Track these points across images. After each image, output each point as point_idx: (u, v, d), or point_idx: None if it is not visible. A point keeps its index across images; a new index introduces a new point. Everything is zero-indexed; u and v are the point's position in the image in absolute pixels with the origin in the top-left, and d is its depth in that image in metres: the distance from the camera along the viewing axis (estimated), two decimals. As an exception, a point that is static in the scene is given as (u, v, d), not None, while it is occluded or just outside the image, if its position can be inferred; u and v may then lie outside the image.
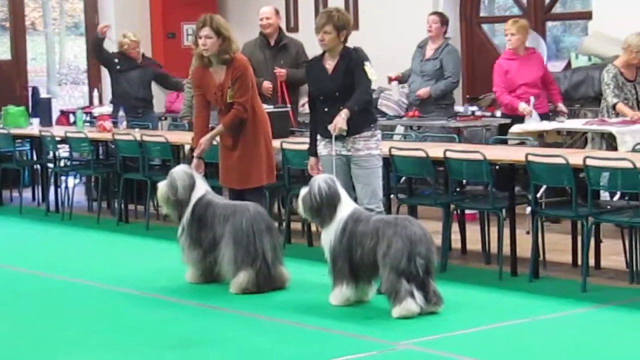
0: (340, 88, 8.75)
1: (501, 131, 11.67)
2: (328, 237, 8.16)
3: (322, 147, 8.94)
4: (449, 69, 12.45)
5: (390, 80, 12.89)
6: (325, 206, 8.14)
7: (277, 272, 8.86)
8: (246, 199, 9.24)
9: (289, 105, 11.71)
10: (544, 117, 11.42)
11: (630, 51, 10.90)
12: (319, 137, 8.96)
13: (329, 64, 8.84)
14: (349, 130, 8.65)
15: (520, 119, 11.37)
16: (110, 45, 13.59)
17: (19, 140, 13.84)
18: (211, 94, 9.41)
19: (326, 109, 8.81)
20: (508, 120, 11.67)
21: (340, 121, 8.55)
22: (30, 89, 16.14)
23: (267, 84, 11.50)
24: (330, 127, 8.61)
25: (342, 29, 8.77)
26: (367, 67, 8.72)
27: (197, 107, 9.61)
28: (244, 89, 9.30)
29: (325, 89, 8.85)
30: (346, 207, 8.18)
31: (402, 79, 12.94)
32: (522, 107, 11.40)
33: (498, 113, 12.69)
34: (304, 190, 8.26)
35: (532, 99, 11.49)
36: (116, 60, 13.31)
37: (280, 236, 9.22)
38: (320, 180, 8.21)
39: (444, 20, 12.66)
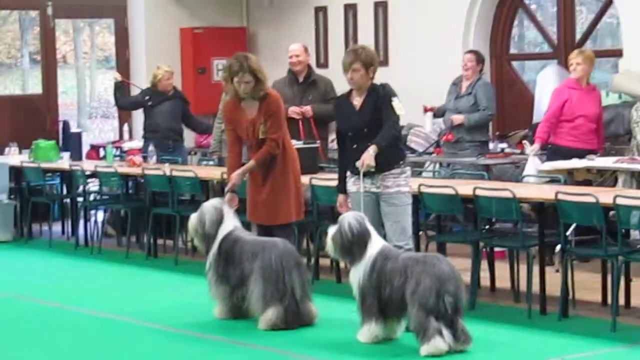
0: (368, 124, 8.75)
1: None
2: (357, 274, 8.15)
3: (351, 184, 8.94)
4: (482, 102, 12.42)
5: (425, 110, 12.86)
6: (355, 244, 8.14)
7: (306, 309, 8.85)
8: (275, 235, 9.25)
9: (318, 141, 11.74)
10: (594, 153, 11.31)
11: None
12: (348, 173, 8.96)
13: (357, 101, 8.85)
14: (377, 167, 8.65)
15: (564, 150, 11.36)
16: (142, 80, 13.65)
17: (49, 174, 13.88)
18: (242, 129, 9.41)
19: (355, 146, 8.81)
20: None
21: (368, 158, 8.56)
22: (60, 123, 16.20)
23: (293, 108, 11.49)
24: (359, 164, 8.62)
25: (370, 65, 8.81)
26: (395, 102, 8.74)
27: (229, 143, 9.62)
28: (277, 125, 9.33)
29: (354, 125, 8.86)
30: (376, 244, 8.18)
31: (436, 112, 12.93)
32: (533, 147, 11.49)
33: (527, 150, 12.66)
34: (333, 229, 8.24)
35: (536, 146, 11.54)
36: (147, 98, 13.36)
37: (308, 272, 9.20)
38: (350, 218, 8.20)
39: (479, 59, 12.63)
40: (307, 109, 11.90)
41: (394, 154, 8.85)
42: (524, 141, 11.93)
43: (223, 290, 9.05)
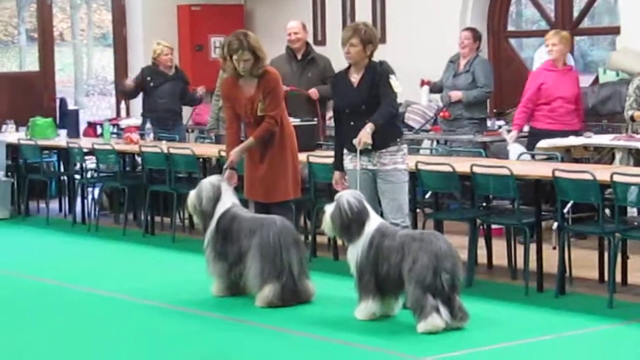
0: (366, 101, 8.74)
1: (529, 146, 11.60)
2: (355, 252, 8.15)
3: (348, 161, 8.93)
4: (480, 79, 12.43)
5: (422, 83, 12.87)
6: (353, 222, 8.13)
7: (303, 286, 8.87)
8: (272, 213, 9.26)
9: (315, 119, 11.73)
10: (574, 133, 11.30)
11: None
12: (345, 151, 8.95)
13: (355, 78, 8.84)
14: (374, 144, 8.62)
15: (543, 133, 11.30)
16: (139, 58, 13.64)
17: (46, 152, 13.89)
18: (241, 107, 9.40)
19: (352, 123, 8.79)
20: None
21: (365, 135, 8.52)
22: (57, 100, 16.18)
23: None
24: (355, 141, 8.59)
25: (368, 43, 8.78)
26: (393, 80, 8.72)
27: (227, 120, 9.63)
28: (276, 103, 9.32)
29: (351, 102, 8.84)
30: (373, 222, 8.18)
31: (433, 88, 12.93)
32: (511, 134, 11.45)
33: (526, 128, 12.67)
34: (330, 207, 8.21)
35: (514, 133, 11.48)
36: (148, 79, 13.36)
37: (306, 250, 9.21)
38: (348, 196, 8.18)
39: (476, 36, 12.64)
40: (314, 91, 11.90)
41: (390, 131, 8.83)
42: (501, 128, 11.88)
43: (221, 267, 9.07)
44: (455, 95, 12.36)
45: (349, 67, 8.94)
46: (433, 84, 12.93)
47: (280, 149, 9.44)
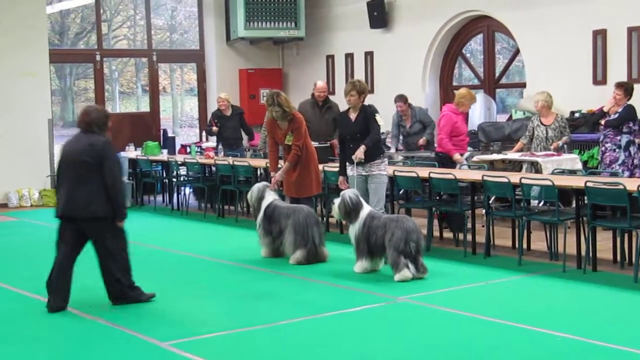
0: (360, 131, 8.89)
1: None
2: (354, 229, 8.15)
3: (349, 170, 8.99)
4: (429, 124, 12.44)
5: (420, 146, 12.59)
6: (352, 210, 8.16)
7: (321, 251, 8.85)
8: (301, 203, 9.25)
9: (329, 143, 11.76)
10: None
11: (535, 102, 10.84)
12: (347, 163, 8.99)
13: (352, 116, 8.99)
14: (366, 159, 8.81)
15: (448, 159, 10.51)
16: (214, 103, 13.61)
17: (154, 164, 13.91)
18: (278, 138, 9.48)
19: (351, 145, 8.95)
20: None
21: (360, 153, 8.79)
22: (161, 130, 16.21)
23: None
24: (353, 157, 8.81)
25: (361, 93, 8.92)
26: (377, 117, 8.87)
27: (269, 145, 9.68)
28: (298, 136, 9.34)
29: (350, 132, 8.96)
30: (366, 210, 8.18)
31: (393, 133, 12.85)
32: (457, 157, 10.49)
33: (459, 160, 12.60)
34: (337, 200, 8.27)
35: (466, 154, 10.89)
36: (215, 121, 13.35)
37: (323, 227, 9.19)
38: (349, 193, 8.25)
39: (405, 99, 12.42)
40: (335, 143, 11.58)
41: (376, 150, 8.95)
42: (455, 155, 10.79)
43: (267, 239, 9.06)
44: (423, 140, 12.30)
45: (348, 109, 8.99)
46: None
47: (306, 162, 9.45)
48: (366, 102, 9.09)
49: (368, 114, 8.92)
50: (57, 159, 7.36)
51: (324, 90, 11.98)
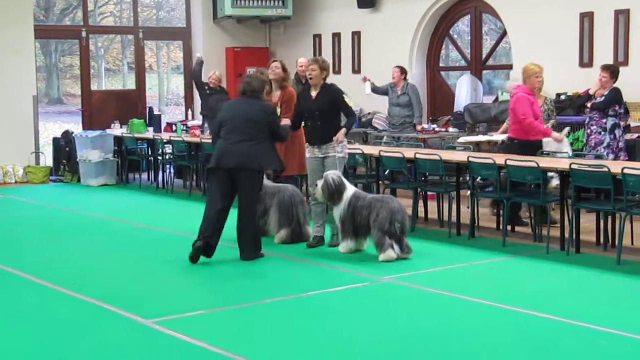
0: (319, 110, 8.40)
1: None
2: (338, 211, 8.10)
3: (306, 152, 8.61)
4: (414, 100, 12.46)
5: (364, 79, 12.73)
6: (336, 192, 8.09)
7: (305, 231, 8.83)
8: (284, 182, 9.22)
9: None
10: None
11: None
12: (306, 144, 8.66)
13: (313, 93, 8.52)
14: (324, 140, 8.38)
15: (530, 145, 9.32)
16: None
17: (140, 141, 13.85)
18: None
19: (309, 123, 8.51)
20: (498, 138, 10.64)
21: (341, 135, 8.34)
22: (147, 108, 16.13)
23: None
24: (334, 139, 8.35)
25: (323, 70, 8.48)
26: (347, 99, 8.54)
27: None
28: (288, 108, 9.31)
29: (309, 109, 8.48)
30: (350, 190, 8.13)
31: (375, 88, 12.75)
32: (556, 135, 9.55)
33: (451, 129, 12.63)
34: (320, 182, 8.13)
35: (566, 129, 10.06)
36: (206, 87, 13.29)
37: (307, 207, 9.17)
38: (332, 175, 8.12)
39: (403, 71, 12.55)
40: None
41: (335, 132, 8.41)
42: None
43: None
44: (420, 127, 12.32)
45: (309, 86, 8.62)
46: (374, 85, 12.76)
47: (292, 141, 9.33)
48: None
49: (333, 94, 8.50)
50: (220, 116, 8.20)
51: (302, 64, 11.95)
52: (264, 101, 8.24)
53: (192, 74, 14.06)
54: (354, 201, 8.05)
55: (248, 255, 7.95)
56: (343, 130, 8.38)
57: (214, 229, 7.87)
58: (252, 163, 7.82)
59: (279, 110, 9.24)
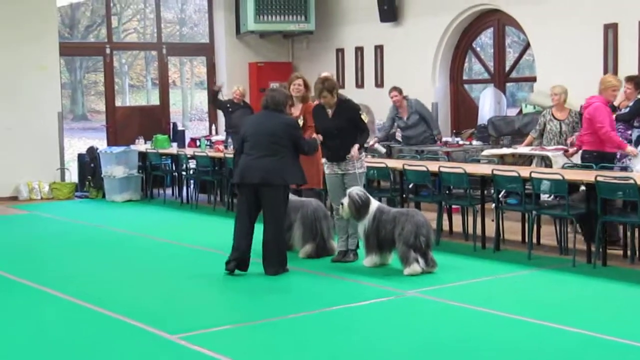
0: (336, 128, 8.38)
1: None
2: (362, 225, 8.11)
3: (325, 168, 8.63)
4: (429, 117, 12.46)
5: (372, 145, 12.41)
6: (362, 207, 8.08)
7: (330, 245, 8.83)
8: (303, 195, 9.24)
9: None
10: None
11: (556, 95, 10.71)
12: (324, 160, 8.67)
13: (329, 112, 8.48)
14: (342, 158, 8.39)
15: (606, 156, 9.18)
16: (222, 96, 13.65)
17: (164, 157, 13.91)
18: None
19: (327, 142, 8.47)
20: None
21: (355, 152, 8.33)
22: (171, 124, 16.22)
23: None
24: (349, 157, 8.35)
25: (332, 90, 8.41)
26: (363, 115, 8.48)
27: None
28: (311, 121, 9.21)
29: (326, 127, 8.46)
30: (374, 205, 8.14)
31: (383, 137, 12.72)
32: (631, 149, 9.25)
33: (475, 142, 12.60)
34: (345, 200, 8.08)
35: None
36: (228, 105, 13.35)
37: (331, 221, 9.16)
38: (356, 191, 8.13)
39: (400, 91, 12.46)
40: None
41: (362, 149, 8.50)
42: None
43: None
44: (458, 145, 12.32)
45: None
46: (382, 136, 12.73)
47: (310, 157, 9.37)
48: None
49: (351, 112, 8.44)
50: (243, 131, 8.18)
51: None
52: (287, 115, 8.29)
53: (212, 103, 14.16)
54: (378, 215, 8.05)
55: (274, 270, 7.95)
56: (356, 147, 8.34)
57: (247, 244, 8.00)
58: (275, 179, 7.84)
59: (301, 122, 9.24)
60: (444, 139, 12.74)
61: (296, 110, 9.47)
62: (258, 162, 7.87)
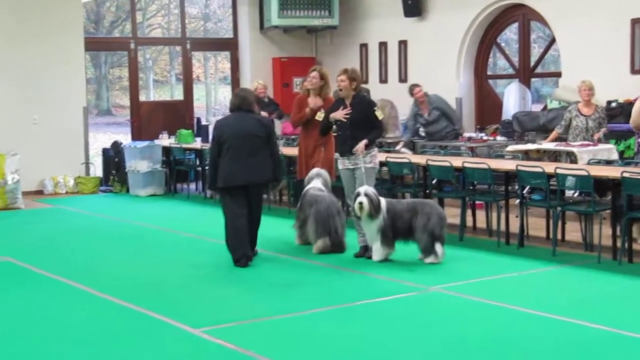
0: (351, 119, 8.36)
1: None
2: (377, 222, 8.10)
3: (338, 162, 8.66)
4: (446, 108, 12.39)
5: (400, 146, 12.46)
6: (377, 205, 8.11)
7: (343, 241, 8.77)
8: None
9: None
10: None
11: (579, 90, 10.70)
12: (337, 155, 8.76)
13: (346, 104, 8.44)
14: (352, 151, 8.36)
15: None
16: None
17: (188, 151, 13.96)
18: (303, 113, 9.55)
19: (340, 132, 8.48)
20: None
21: (362, 147, 8.30)
22: (195, 119, 16.26)
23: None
24: (354, 150, 8.31)
25: (352, 80, 8.40)
26: (377, 111, 8.44)
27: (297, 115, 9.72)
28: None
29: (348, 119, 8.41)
30: (382, 200, 8.19)
31: (408, 141, 12.61)
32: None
33: (499, 137, 12.54)
34: (363, 200, 8.02)
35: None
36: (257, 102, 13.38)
37: (345, 217, 9.02)
38: (371, 190, 8.13)
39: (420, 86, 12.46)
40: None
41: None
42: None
43: (297, 227, 9.13)
44: (463, 137, 12.24)
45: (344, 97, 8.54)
46: (406, 141, 12.58)
47: (329, 146, 9.50)
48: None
49: (367, 106, 8.45)
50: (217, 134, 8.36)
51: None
52: (257, 114, 8.58)
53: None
54: (391, 208, 8.12)
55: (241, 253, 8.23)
56: (364, 142, 8.29)
57: (246, 240, 8.26)
58: (258, 178, 8.22)
59: (320, 115, 9.14)
60: (467, 135, 12.68)
61: (312, 102, 9.44)
62: (241, 164, 8.15)
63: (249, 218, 8.30)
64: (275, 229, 10.07)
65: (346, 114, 8.37)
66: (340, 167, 8.59)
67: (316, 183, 9.05)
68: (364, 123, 8.36)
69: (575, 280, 7.53)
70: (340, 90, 8.45)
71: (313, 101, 9.50)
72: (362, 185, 8.20)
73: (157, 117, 15.77)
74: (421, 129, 12.72)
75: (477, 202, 10.09)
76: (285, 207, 11.41)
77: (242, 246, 8.21)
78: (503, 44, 14.89)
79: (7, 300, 7.15)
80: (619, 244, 8.13)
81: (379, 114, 8.45)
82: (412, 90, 12.47)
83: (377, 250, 8.17)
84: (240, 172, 8.15)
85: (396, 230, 8.09)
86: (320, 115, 9.01)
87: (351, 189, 8.40)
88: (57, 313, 6.69)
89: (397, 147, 12.16)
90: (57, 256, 9.02)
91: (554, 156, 10.65)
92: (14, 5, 13.96)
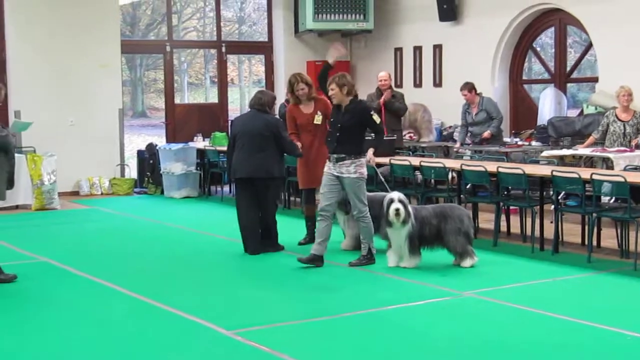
0: (342, 124, 8.23)
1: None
2: (407, 228, 8.08)
3: (326, 168, 8.44)
4: (492, 113, 12.28)
5: (457, 150, 12.47)
6: (409, 212, 8.12)
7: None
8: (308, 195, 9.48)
9: (394, 136, 11.74)
10: None
11: (618, 95, 10.65)
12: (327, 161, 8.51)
13: (344, 109, 8.30)
14: (343, 157, 8.22)
15: None
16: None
17: (222, 154, 14.01)
18: (302, 122, 9.37)
19: (336, 133, 8.29)
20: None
21: (371, 158, 8.49)
22: (229, 121, 16.32)
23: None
24: (365, 161, 8.33)
25: (342, 86, 8.25)
26: (375, 116, 8.32)
27: (290, 130, 9.45)
28: (328, 116, 9.00)
29: (334, 122, 8.32)
30: (410, 207, 8.19)
31: (464, 136, 12.57)
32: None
33: (534, 143, 12.47)
34: (399, 206, 7.98)
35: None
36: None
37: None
38: (399, 196, 8.10)
39: (471, 88, 12.33)
40: (387, 92, 11.91)
41: (352, 148, 8.27)
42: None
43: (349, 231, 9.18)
44: (487, 134, 12.13)
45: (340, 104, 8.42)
46: (462, 137, 12.55)
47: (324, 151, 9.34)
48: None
49: (360, 111, 8.26)
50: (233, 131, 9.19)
51: (383, 78, 12.00)
52: (271, 115, 9.07)
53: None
54: (418, 214, 8.13)
55: (251, 250, 8.93)
56: (371, 150, 8.47)
57: (255, 235, 8.95)
58: (260, 173, 8.82)
59: (319, 118, 9.21)
60: (503, 139, 12.63)
61: (307, 109, 9.41)
62: (247, 158, 8.85)
63: (258, 212, 8.94)
64: (299, 231, 10.14)
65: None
66: (325, 169, 8.41)
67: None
68: (354, 129, 8.22)
69: (610, 287, 7.47)
70: (333, 98, 8.33)
71: (306, 108, 9.42)
72: (392, 192, 8.13)
73: (191, 120, 15.87)
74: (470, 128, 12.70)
75: (511, 207, 10.04)
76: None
77: (251, 242, 8.94)
78: (539, 49, 14.81)
79: (45, 299, 7.23)
80: (655, 251, 8.06)
81: (377, 118, 8.37)
82: (460, 90, 12.42)
83: (408, 261, 8.14)
84: (245, 165, 8.87)
85: (422, 237, 8.08)
86: (318, 119, 9.17)
87: (327, 195, 8.25)
88: (94, 313, 6.75)
89: (454, 148, 12.20)
90: (92, 256, 9.11)
91: (590, 162, 10.58)
92: (52, 9, 14.12)
